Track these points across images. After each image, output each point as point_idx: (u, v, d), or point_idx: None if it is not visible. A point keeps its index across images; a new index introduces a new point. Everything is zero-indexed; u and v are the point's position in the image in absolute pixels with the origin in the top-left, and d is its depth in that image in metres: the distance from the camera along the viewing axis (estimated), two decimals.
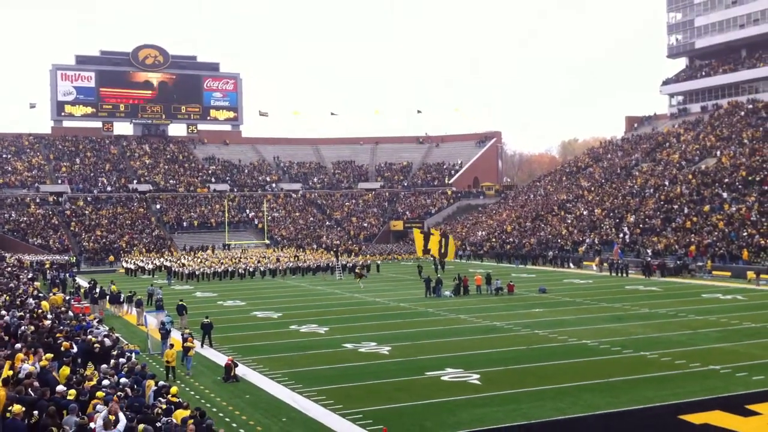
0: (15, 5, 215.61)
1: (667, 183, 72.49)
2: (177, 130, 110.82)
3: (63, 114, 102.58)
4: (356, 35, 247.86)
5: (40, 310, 28.39)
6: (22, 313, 26.30)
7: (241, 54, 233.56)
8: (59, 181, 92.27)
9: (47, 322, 24.93)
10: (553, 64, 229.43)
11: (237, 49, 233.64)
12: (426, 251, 63.66)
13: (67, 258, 70.40)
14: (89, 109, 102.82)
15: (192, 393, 21.60)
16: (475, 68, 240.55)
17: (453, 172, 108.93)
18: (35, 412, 13.64)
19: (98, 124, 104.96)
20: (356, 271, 52.03)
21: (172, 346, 24.57)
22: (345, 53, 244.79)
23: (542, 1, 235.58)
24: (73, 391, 15.13)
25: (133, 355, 22.73)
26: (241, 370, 24.09)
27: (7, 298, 31.84)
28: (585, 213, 75.58)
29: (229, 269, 61.20)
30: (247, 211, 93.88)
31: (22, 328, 22.72)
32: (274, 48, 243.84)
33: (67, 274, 57.09)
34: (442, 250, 61.81)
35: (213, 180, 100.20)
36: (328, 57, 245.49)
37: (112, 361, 20.19)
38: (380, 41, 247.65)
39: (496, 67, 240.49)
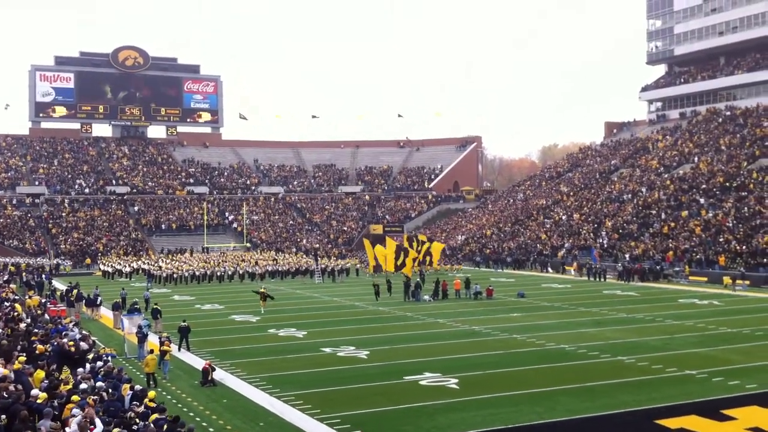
0: None
1: (644, 189, 73.01)
2: (156, 132, 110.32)
3: (41, 115, 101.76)
4: (341, 38, 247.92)
5: (15, 313, 28.15)
6: None
7: (223, 57, 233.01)
8: (36, 183, 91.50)
9: (22, 325, 24.71)
10: (533, 71, 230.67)
11: (219, 51, 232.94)
12: (377, 268, 54.01)
13: (49, 262, 69.64)
14: (67, 111, 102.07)
15: (169, 397, 21.44)
16: (460, 74, 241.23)
17: (433, 176, 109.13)
18: (3, 417, 13.48)
19: (76, 126, 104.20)
20: (261, 291, 41.46)
21: (151, 352, 24.27)
22: (329, 57, 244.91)
23: (521, 12, 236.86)
24: (43, 395, 14.98)
25: (110, 358, 22.53)
26: (219, 374, 23.97)
27: None
28: (564, 218, 75.97)
29: (208, 272, 60.92)
30: (227, 214, 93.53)
31: None
32: (257, 51, 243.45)
33: (43, 276, 56.54)
34: (416, 265, 53.64)
35: (192, 182, 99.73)
36: (311, 60, 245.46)
37: (88, 365, 20.03)
38: (366, 45, 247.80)
39: (481, 74, 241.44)
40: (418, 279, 48.58)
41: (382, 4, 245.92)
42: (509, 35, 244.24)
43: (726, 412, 19.10)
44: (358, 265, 68.47)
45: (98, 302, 40.41)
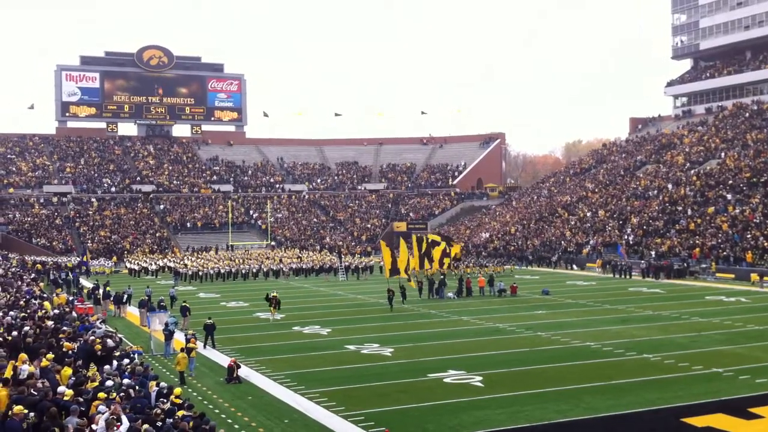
0: (18, 5, 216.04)
1: (670, 185, 72.38)
2: (181, 130, 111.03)
3: (67, 114, 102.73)
4: (361, 37, 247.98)
5: (43, 311, 28.47)
6: (24, 314, 26.38)
7: (246, 55, 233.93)
8: (63, 182, 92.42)
9: (50, 323, 24.98)
10: (557, 65, 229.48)
11: (241, 49, 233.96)
12: (396, 271, 44.68)
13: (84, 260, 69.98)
14: (93, 110, 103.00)
15: (194, 394, 21.57)
16: (480, 70, 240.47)
17: (457, 173, 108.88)
18: (31, 414, 13.62)
19: (102, 125, 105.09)
20: (273, 295, 36.94)
21: (183, 350, 24.37)
22: (350, 55, 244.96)
23: (546, 2, 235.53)
24: (70, 392, 15.13)
25: (136, 356, 22.72)
26: (244, 372, 24.08)
27: (10, 298, 31.93)
28: (588, 214, 75.50)
29: (232, 270, 61.25)
30: (251, 212, 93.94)
31: (26, 328, 22.80)
32: (279, 49, 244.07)
33: (71, 274, 57.06)
34: (427, 267, 47.64)
35: (217, 180, 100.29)
36: (333, 58, 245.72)
37: (115, 362, 20.21)
38: (386, 43, 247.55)
39: (501, 69, 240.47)
40: (441, 276, 48.44)
41: (390, 7, 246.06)
42: (528, 33, 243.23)
43: (753, 410, 18.93)
44: (382, 263, 68.44)
45: (124, 300, 40.76)
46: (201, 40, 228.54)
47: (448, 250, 49.78)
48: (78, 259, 69.93)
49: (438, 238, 51.94)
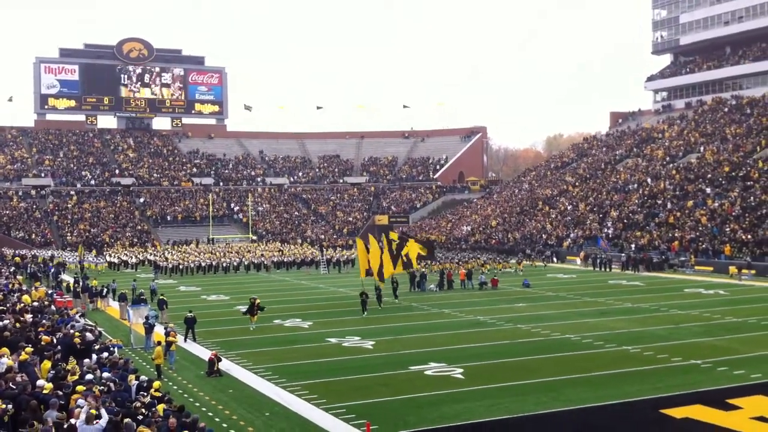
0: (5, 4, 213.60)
1: (650, 179, 72.82)
2: (161, 123, 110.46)
3: (46, 107, 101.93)
4: (352, 39, 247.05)
5: (22, 305, 28.26)
6: (3, 307, 26.17)
7: (228, 48, 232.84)
8: (42, 175, 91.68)
9: (29, 317, 24.81)
10: (544, 67, 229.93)
11: (223, 43, 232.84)
12: (369, 272, 40.54)
13: (73, 256, 69.26)
14: (73, 102, 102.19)
15: (175, 387, 21.50)
16: (466, 70, 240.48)
17: (438, 166, 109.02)
18: (10, 407, 13.52)
19: (82, 118, 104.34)
20: (256, 303, 32.50)
21: (159, 343, 24.32)
22: (337, 55, 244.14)
23: (536, 3, 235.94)
24: (49, 385, 15.05)
25: (116, 349, 22.61)
26: (225, 365, 24.02)
27: None
28: (569, 208, 75.84)
29: (213, 263, 61.04)
30: (232, 205, 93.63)
31: (5, 321, 22.62)
32: (261, 43, 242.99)
33: (50, 269, 56.63)
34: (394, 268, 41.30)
35: (197, 173, 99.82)
36: (320, 58, 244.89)
37: (95, 355, 20.10)
38: (376, 46, 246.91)
39: (488, 70, 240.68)
40: (423, 270, 48.51)
41: (384, 11, 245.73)
42: (513, 32, 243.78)
43: (731, 401, 19.08)
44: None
45: (104, 294, 40.55)
46: (183, 33, 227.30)
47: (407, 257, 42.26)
48: (51, 252, 69.27)
49: (395, 236, 43.95)
